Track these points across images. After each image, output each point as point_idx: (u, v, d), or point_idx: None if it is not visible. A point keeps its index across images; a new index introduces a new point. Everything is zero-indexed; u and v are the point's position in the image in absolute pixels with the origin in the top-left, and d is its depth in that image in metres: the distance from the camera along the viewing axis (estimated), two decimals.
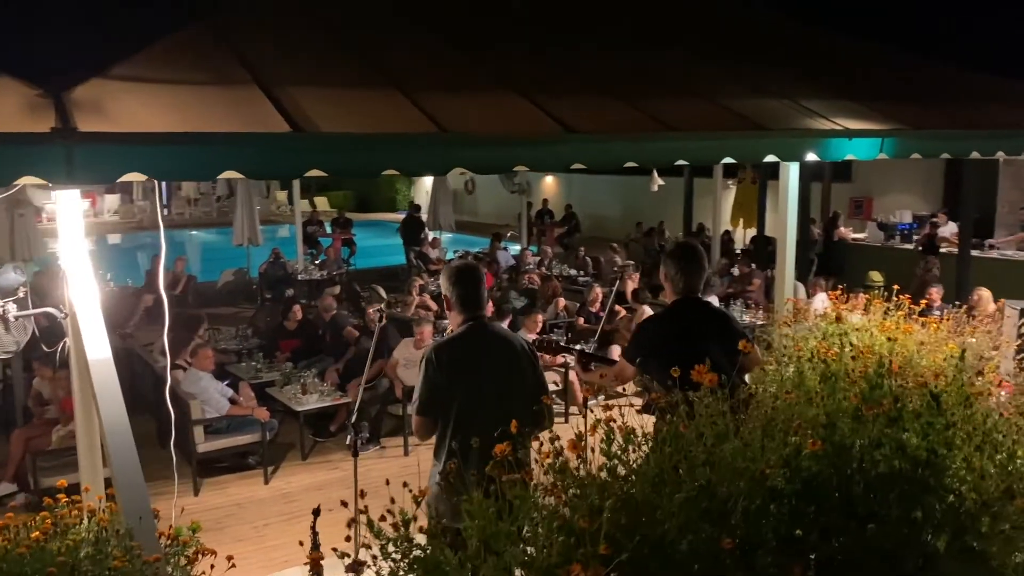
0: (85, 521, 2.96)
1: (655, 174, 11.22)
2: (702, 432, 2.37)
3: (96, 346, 3.52)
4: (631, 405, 2.46)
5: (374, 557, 2.15)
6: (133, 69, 4.04)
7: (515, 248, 16.29)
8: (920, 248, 12.99)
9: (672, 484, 2.23)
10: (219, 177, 3.84)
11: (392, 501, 2.18)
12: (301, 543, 3.04)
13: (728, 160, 5.20)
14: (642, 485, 2.21)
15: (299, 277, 13.97)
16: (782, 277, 6.26)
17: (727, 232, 15.89)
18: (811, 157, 5.51)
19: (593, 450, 2.32)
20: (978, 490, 2.35)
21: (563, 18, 6.56)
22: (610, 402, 2.36)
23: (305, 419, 7.51)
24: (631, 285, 11.03)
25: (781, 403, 2.75)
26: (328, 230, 17.42)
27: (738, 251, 15.36)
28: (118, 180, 3.48)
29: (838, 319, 4.24)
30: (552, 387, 6.54)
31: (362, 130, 4.10)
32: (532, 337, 8.15)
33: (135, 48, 4.26)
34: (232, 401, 7.16)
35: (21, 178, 3.29)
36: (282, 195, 29.13)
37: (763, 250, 15.05)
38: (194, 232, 27.25)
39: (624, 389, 5.47)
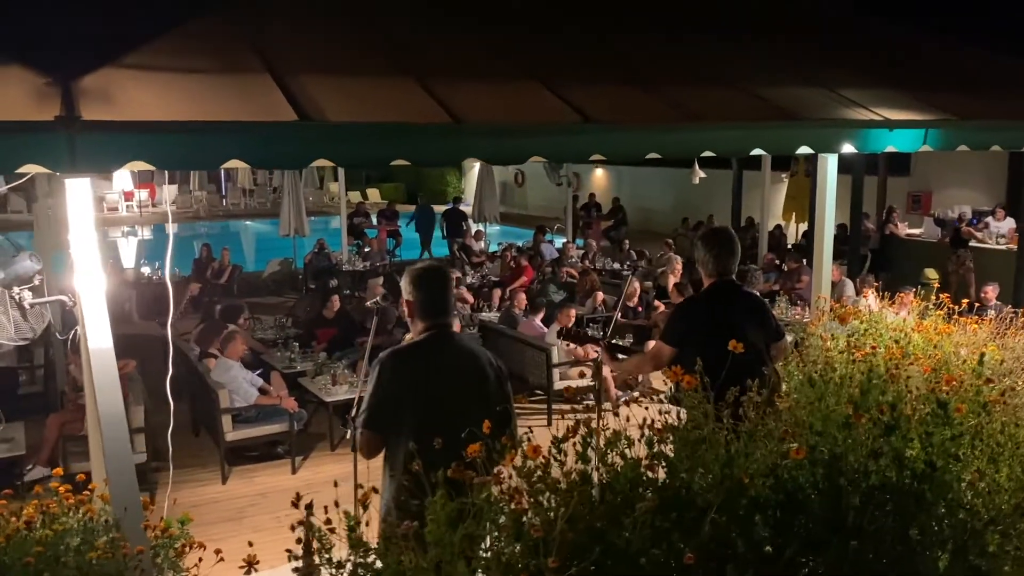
0: (77, 512, 2.93)
1: (696, 166, 10.98)
2: (689, 433, 2.25)
3: (97, 335, 3.52)
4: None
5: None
6: (145, 58, 4.03)
7: (561, 241, 16.16)
8: (949, 242, 12.53)
9: (648, 491, 2.12)
10: (223, 166, 3.80)
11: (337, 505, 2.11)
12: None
13: (758, 152, 5.00)
14: (612, 492, 2.09)
15: (343, 268, 14.06)
16: (819, 273, 6.03)
17: (778, 227, 15.52)
18: (848, 149, 5.28)
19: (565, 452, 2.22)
20: (988, 505, 2.18)
21: (590, 2, 6.40)
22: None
23: (335, 409, 7.52)
24: (673, 279, 10.82)
25: (782, 405, 2.61)
26: (374, 221, 17.51)
27: (790, 246, 14.99)
28: (120, 169, 3.47)
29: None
30: (584, 382, 6.41)
31: (372, 119, 4.03)
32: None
33: (152, 37, 4.26)
34: (262, 391, 7.20)
35: (24, 166, 3.30)
36: (335, 186, 29.39)
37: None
38: (248, 222, 27.70)
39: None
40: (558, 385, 7.80)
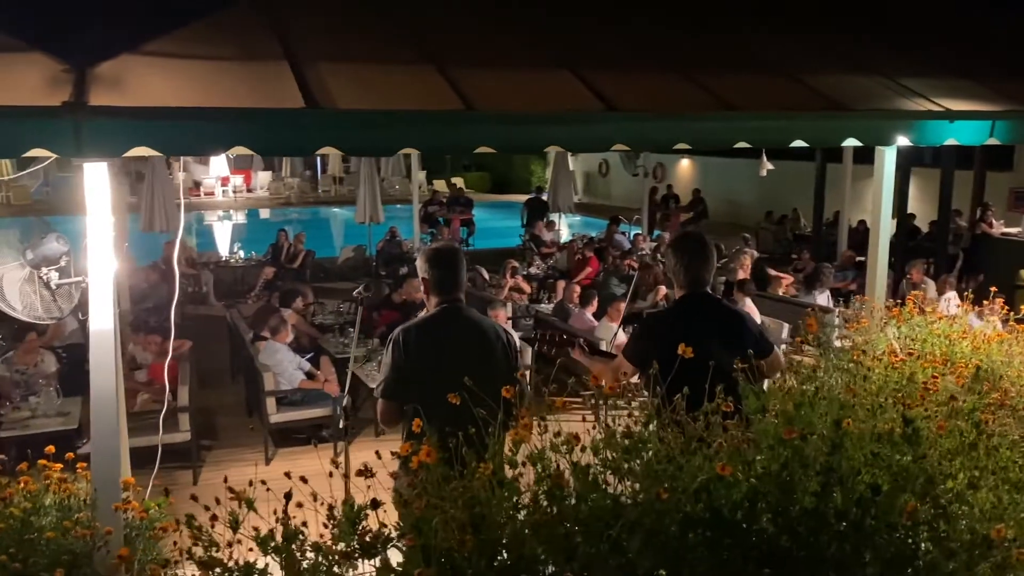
0: (59, 491, 3.00)
1: (764, 158, 10.57)
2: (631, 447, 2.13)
3: (100, 317, 3.59)
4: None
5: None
6: (165, 45, 4.09)
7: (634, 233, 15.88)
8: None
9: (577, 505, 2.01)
10: (228, 153, 3.82)
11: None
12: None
13: (799, 144, 4.73)
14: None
15: (414, 255, 14.18)
16: (872, 274, 5.69)
17: (862, 222, 14.84)
18: (902, 141, 4.96)
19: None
20: (952, 536, 1.98)
21: None
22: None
23: None
24: (741, 274, 10.44)
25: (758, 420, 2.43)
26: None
27: None
28: (126, 154, 3.52)
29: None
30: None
31: (383, 106, 3.98)
32: (613, 326, 7.86)
33: (177, 25, 4.33)
34: (310, 375, 7.30)
35: (31, 150, 3.39)
36: (421, 175, 29.72)
37: (904, 243, 13.96)
38: (336, 209, 28.29)
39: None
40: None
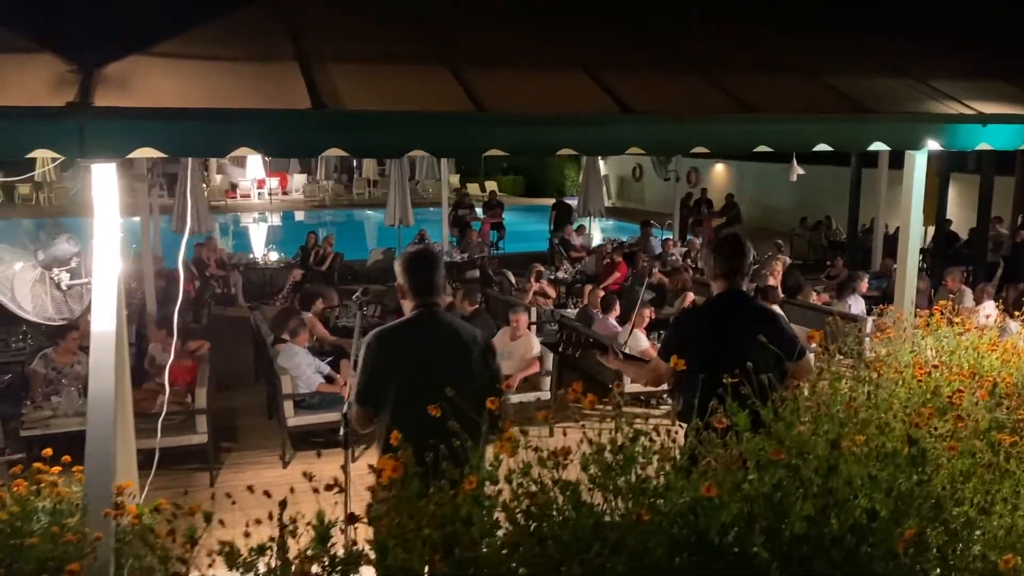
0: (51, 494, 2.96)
1: (794, 162, 10.36)
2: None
3: (102, 319, 3.56)
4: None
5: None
6: (176, 46, 4.07)
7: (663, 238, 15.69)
8: None
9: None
10: (232, 154, 3.78)
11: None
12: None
13: (823, 147, 4.58)
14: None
15: (443, 259, 14.14)
16: (901, 283, 5.50)
17: (899, 228, 14.50)
18: (932, 145, 4.78)
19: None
20: (959, 564, 1.85)
21: None
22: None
23: None
24: (771, 281, 10.25)
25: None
26: (479, 213, 17.55)
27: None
28: (129, 155, 3.49)
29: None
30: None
31: (391, 108, 3.92)
32: (639, 332, 7.73)
33: (190, 26, 4.31)
34: (329, 378, 7.27)
35: (35, 151, 3.37)
36: (454, 178, 29.74)
37: (943, 251, 13.61)
38: (370, 212, 28.42)
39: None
40: (628, 388, 7.51)
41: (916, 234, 5.50)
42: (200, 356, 7.32)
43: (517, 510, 1.82)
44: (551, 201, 18.70)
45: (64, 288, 4.29)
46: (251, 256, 13.92)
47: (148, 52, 3.98)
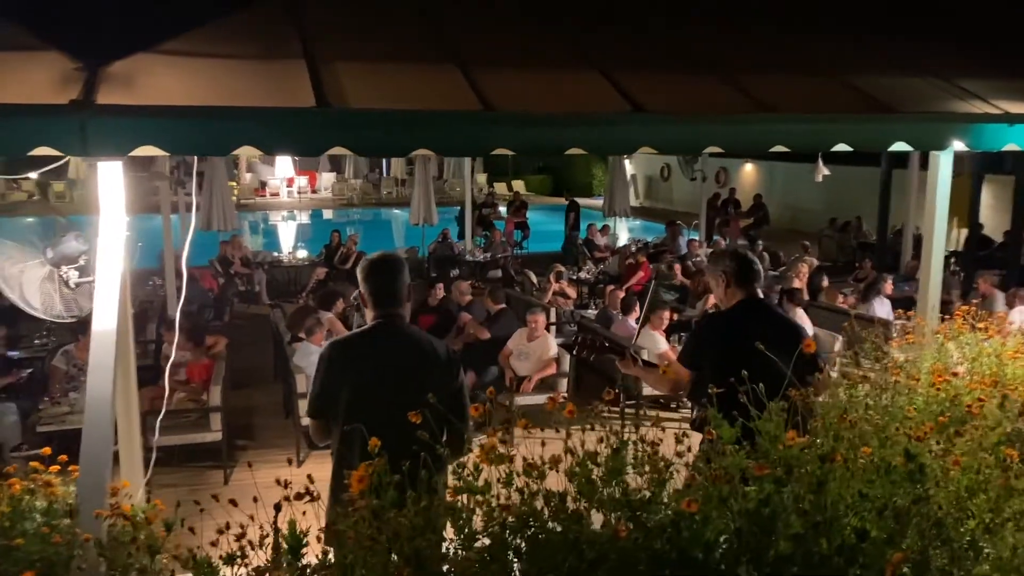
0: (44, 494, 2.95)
1: (820, 162, 10.16)
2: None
3: (103, 317, 3.55)
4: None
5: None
6: (183, 44, 4.05)
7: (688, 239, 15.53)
8: None
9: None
10: (234, 152, 3.75)
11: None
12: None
13: (842, 147, 4.46)
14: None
15: (466, 258, 14.12)
16: (925, 289, 5.35)
17: None
18: (957, 146, 4.64)
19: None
20: None
21: None
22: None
23: None
24: (797, 283, 10.08)
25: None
26: (503, 213, 17.51)
27: (946, 253, 13.66)
28: (131, 153, 3.47)
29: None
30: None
31: (397, 106, 3.86)
32: (658, 335, 7.62)
33: (198, 23, 4.29)
34: None
35: (37, 148, 3.37)
36: (482, 178, 29.73)
37: (974, 253, 13.32)
38: (397, 211, 28.51)
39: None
40: (647, 391, 7.41)
41: (940, 237, 5.35)
42: (216, 353, 7.33)
43: (491, 524, 1.75)
44: (580, 201, 18.63)
45: (73, 286, 4.29)
46: (276, 254, 13.97)
47: (154, 50, 3.96)
